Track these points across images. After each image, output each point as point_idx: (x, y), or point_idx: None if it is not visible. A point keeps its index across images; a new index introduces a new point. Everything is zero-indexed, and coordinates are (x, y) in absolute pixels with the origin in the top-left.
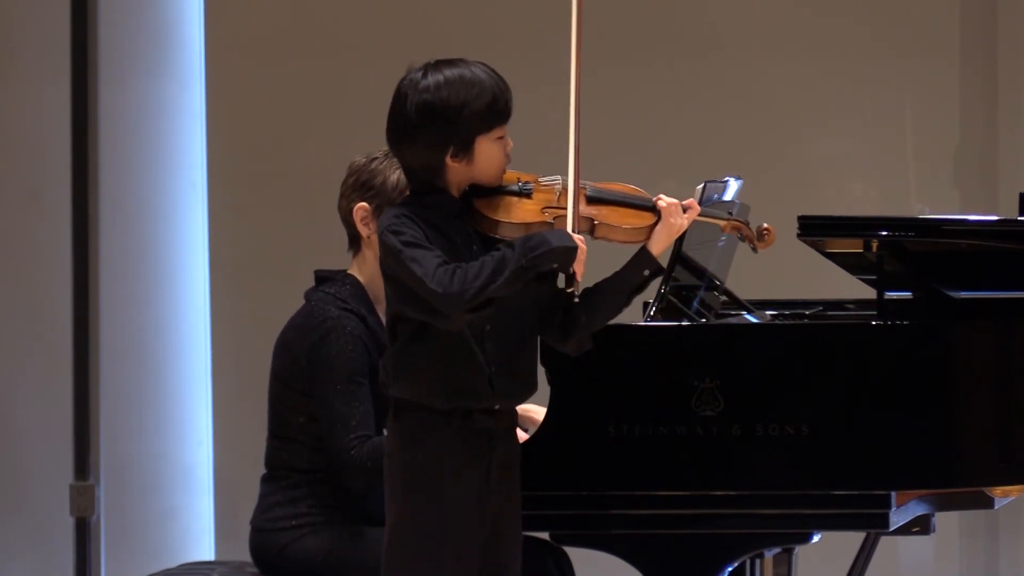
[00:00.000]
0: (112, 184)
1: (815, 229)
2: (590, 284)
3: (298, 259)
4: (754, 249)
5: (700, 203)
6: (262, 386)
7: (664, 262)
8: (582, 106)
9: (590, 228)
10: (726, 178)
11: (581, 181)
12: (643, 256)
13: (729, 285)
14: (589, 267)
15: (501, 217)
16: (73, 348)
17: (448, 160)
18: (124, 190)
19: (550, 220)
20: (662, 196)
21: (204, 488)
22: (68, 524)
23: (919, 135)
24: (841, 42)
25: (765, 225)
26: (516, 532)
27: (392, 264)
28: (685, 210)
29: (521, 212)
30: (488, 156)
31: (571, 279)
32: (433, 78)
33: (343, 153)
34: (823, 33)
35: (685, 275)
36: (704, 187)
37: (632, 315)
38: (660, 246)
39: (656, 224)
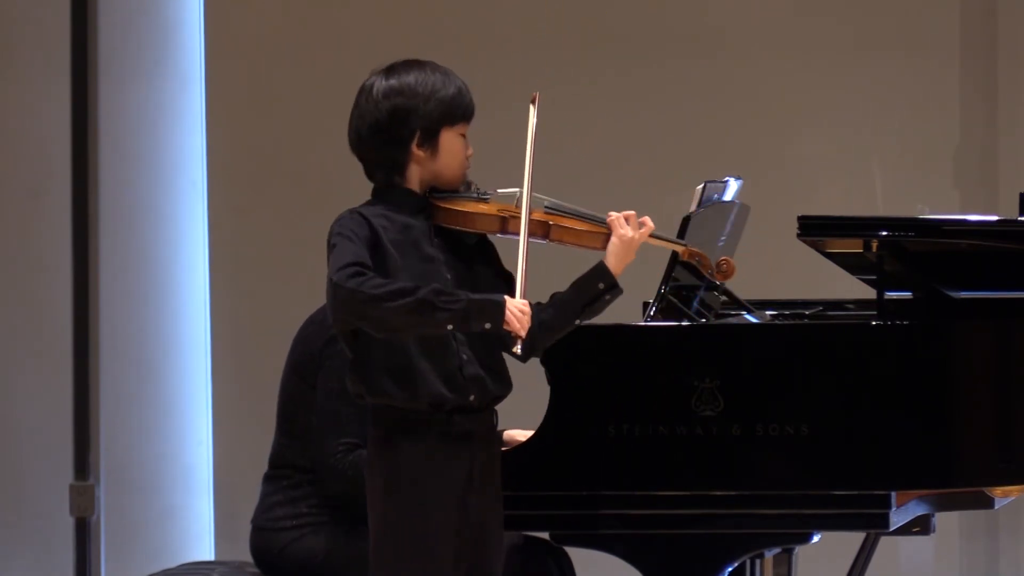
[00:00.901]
0: (112, 184)
1: (815, 229)
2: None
3: (298, 259)
4: (712, 279)
5: (700, 203)
6: (262, 386)
7: (624, 282)
8: (584, 106)
9: (546, 231)
10: (726, 178)
11: (539, 196)
12: (599, 269)
13: (729, 285)
14: (550, 276)
15: (457, 207)
16: (73, 348)
17: (414, 148)
18: (124, 190)
19: (506, 216)
20: (611, 212)
21: (204, 488)
22: (68, 524)
23: (919, 135)
24: (841, 42)
25: (724, 257)
26: (499, 534)
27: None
28: (641, 226)
29: (476, 207)
30: (451, 150)
31: (511, 339)
32: (399, 77)
33: (343, 153)
34: (823, 33)
35: (685, 275)
36: (704, 187)
37: (632, 315)
38: (615, 260)
39: (609, 235)
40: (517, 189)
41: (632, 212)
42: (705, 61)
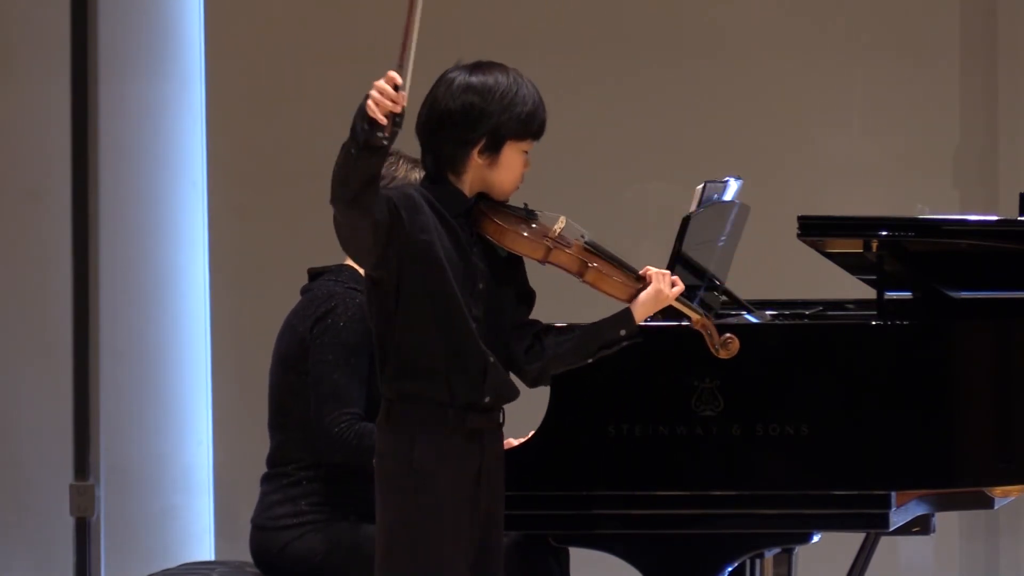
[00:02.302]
0: (112, 184)
1: (815, 229)
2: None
3: (298, 259)
4: (714, 351)
5: (700, 203)
6: (262, 386)
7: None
8: (585, 106)
9: (581, 269)
10: (726, 178)
11: (579, 230)
12: (624, 316)
13: (729, 285)
14: (568, 304)
15: (509, 225)
16: (73, 348)
17: (475, 154)
18: (124, 190)
19: (551, 246)
20: (650, 268)
21: (204, 488)
22: (68, 524)
23: (919, 136)
24: (841, 43)
25: (729, 335)
26: (501, 532)
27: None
28: (673, 285)
29: (528, 228)
30: (510, 164)
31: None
32: (481, 77)
33: None
34: (823, 34)
35: (685, 275)
36: (704, 187)
37: None
38: (643, 312)
39: (641, 289)
40: (561, 217)
41: (668, 272)
42: (705, 62)
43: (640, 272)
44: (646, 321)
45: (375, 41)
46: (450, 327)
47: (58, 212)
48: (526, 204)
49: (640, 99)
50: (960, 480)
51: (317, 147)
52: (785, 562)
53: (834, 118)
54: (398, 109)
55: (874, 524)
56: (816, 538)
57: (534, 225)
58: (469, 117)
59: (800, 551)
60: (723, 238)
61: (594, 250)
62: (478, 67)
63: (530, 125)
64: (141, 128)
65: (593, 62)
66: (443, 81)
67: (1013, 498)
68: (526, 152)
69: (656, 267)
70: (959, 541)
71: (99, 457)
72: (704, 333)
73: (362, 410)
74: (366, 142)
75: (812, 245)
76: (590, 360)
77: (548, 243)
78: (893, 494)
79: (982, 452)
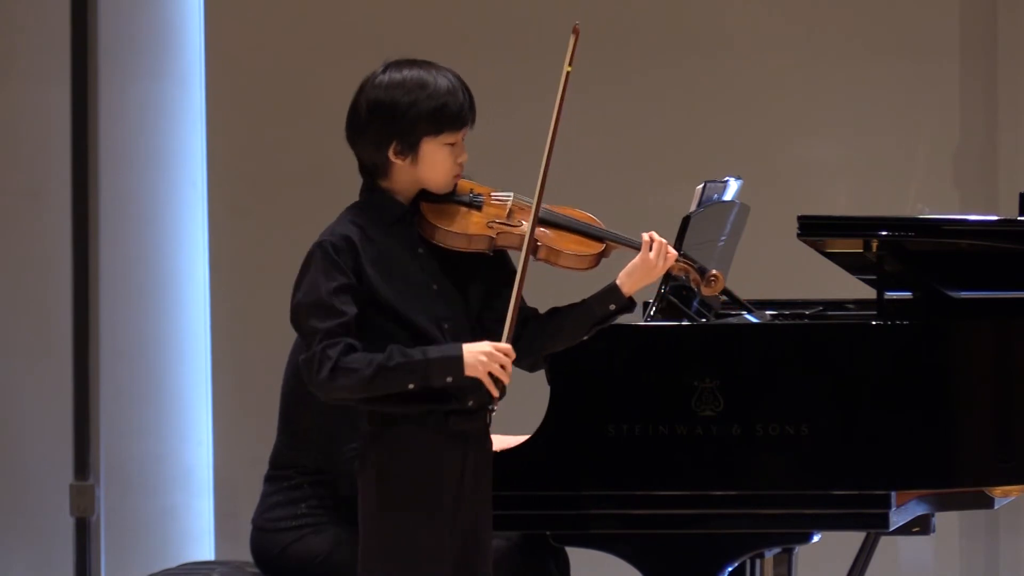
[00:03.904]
0: (112, 184)
1: (815, 229)
2: (557, 304)
3: (298, 259)
4: (698, 290)
5: (700, 203)
6: (262, 386)
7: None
8: (585, 107)
9: (534, 248)
10: (726, 178)
11: (524, 199)
12: (611, 290)
13: (729, 285)
14: (555, 289)
15: (443, 224)
16: (73, 348)
17: (391, 156)
18: (124, 190)
19: (493, 235)
20: (654, 233)
21: (204, 488)
22: (68, 524)
23: (919, 135)
24: (841, 43)
25: (714, 272)
26: (488, 536)
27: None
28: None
29: (465, 222)
30: (434, 160)
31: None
32: (390, 75)
33: (342, 153)
34: (823, 34)
35: None
36: (704, 187)
37: (632, 315)
38: (634, 283)
39: (600, 255)
40: (511, 194)
41: (663, 241)
42: (705, 62)
43: (643, 237)
44: (647, 321)
45: (375, 41)
46: (416, 342)
47: (58, 212)
48: (472, 188)
49: (640, 100)
50: (960, 480)
51: (317, 147)
52: (785, 562)
53: (834, 118)
54: (506, 381)
55: (874, 524)
56: (816, 538)
57: (477, 215)
58: (377, 118)
59: (800, 551)
60: (723, 238)
61: (549, 222)
62: (390, 66)
63: (441, 118)
64: (141, 128)
65: (593, 63)
66: (358, 90)
67: (1013, 498)
68: (451, 144)
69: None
70: (959, 541)
71: (99, 457)
72: (683, 277)
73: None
74: (426, 383)
75: (812, 245)
76: (585, 337)
77: (491, 231)
78: (893, 494)
79: (982, 452)
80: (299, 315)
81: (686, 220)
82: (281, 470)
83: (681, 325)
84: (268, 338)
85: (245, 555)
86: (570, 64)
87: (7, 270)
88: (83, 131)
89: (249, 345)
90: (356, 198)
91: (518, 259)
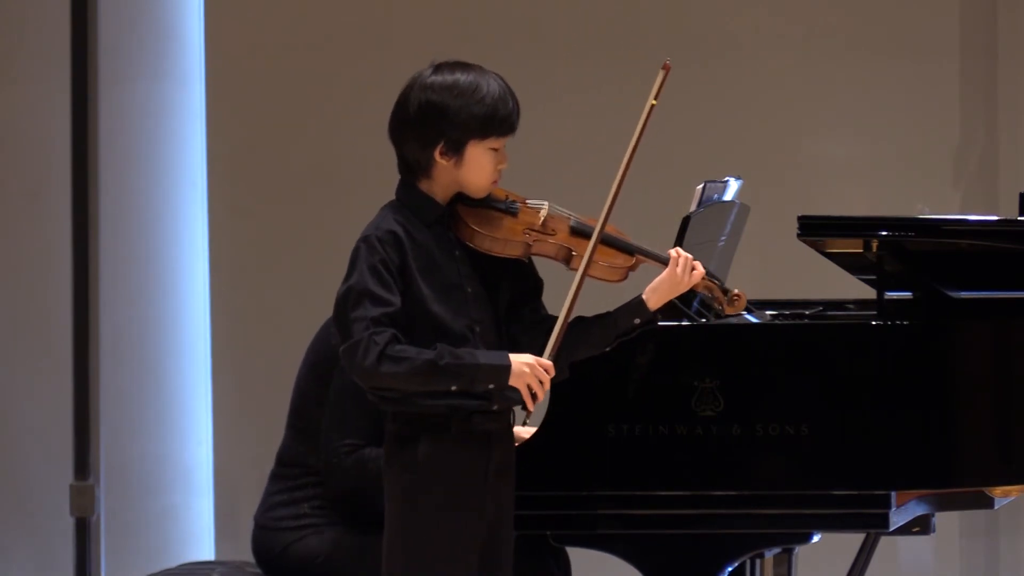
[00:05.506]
0: (112, 184)
1: (815, 229)
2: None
3: (298, 259)
4: (721, 309)
5: (700, 203)
6: (262, 386)
7: (624, 282)
8: (586, 107)
9: (567, 257)
10: (726, 178)
11: (566, 212)
12: (637, 305)
13: (729, 285)
14: (561, 298)
15: (482, 228)
16: (73, 348)
17: (437, 156)
18: (124, 190)
19: (529, 242)
20: (680, 249)
21: (204, 488)
22: (68, 524)
23: (919, 135)
24: (841, 43)
25: (737, 292)
26: (510, 535)
27: (350, 270)
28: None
29: (502, 228)
30: (478, 164)
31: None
32: (441, 77)
33: (343, 153)
34: (823, 35)
35: None
36: (704, 187)
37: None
38: (660, 298)
39: (631, 269)
40: (545, 203)
41: (689, 256)
42: (705, 63)
43: (668, 253)
44: None
45: (375, 41)
46: (448, 342)
47: (58, 212)
48: (508, 195)
49: (639, 100)
50: (960, 480)
51: (317, 147)
52: (785, 562)
53: (834, 118)
54: (541, 398)
55: (874, 524)
56: (816, 538)
57: (512, 221)
58: (427, 118)
59: (800, 551)
60: (723, 238)
61: (581, 232)
62: (441, 67)
63: (490, 123)
64: (141, 128)
65: (593, 63)
66: (408, 83)
67: (1013, 498)
68: (495, 149)
69: (656, 269)
70: (959, 541)
71: (99, 457)
72: (707, 294)
73: (367, 439)
74: (469, 387)
75: (812, 245)
76: (608, 349)
77: (527, 238)
78: (893, 494)
79: (982, 452)
80: (347, 302)
81: (686, 220)
82: (288, 468)
83: (681, 325)
84: (268, 338)
85: (245, 555)
86: (655, 98)
87: (7, 270)
88: (83, 131)
89: (249, 345)
90: (357, 198)
91: (548, 268)
